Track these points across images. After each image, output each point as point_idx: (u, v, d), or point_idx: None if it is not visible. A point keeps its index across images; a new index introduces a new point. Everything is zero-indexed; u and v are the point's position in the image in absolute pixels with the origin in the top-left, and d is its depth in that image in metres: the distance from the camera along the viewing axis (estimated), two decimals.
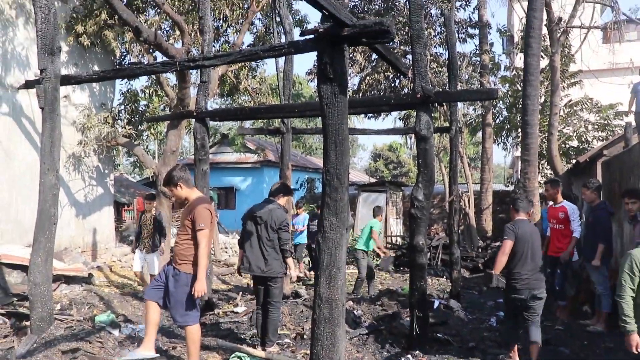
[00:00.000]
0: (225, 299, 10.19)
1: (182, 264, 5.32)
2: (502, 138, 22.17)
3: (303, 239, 13.66)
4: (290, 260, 6.67)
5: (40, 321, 6.20)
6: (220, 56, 5.45)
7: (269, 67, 75.52)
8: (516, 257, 5.78)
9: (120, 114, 14.48)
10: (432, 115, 6.93)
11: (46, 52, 6.46)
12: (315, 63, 18.74)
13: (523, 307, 5.85)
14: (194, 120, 8.86)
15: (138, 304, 9.90)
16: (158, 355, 5.51)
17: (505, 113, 21.43)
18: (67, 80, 6.72)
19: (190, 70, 11.72)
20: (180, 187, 5.40)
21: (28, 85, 6.97)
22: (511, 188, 22.95)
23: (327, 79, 4.15)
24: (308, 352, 6.14)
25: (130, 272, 12.93)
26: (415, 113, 6.84)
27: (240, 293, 10.45)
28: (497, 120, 21.77)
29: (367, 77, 18.33)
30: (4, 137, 11.63)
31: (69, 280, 10.47)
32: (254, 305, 8.88)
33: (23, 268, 9.93)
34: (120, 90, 15.51)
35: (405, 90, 17.31)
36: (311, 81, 18.99)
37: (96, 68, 13.61)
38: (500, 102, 20.70)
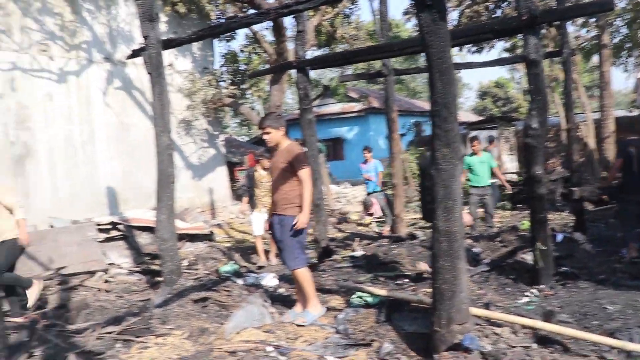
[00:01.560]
0: (342, 246, 10.33)
1: (286, 207, 5.43)
2: (622, 59, 20.46)
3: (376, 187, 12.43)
4: None
5: (171, 274, 6.58)
6: None
7: (364, 13, 74.18)
8: None
9: (223, 76, 14.83)
10: (541, 41, 6.50)
11: (147, 20, 6.66)
12: (412, 2, 18.15)
13: None
14: (295, 72, 8.85)
15: (256, 257, 10.28)
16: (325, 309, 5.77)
17: (624, 30, 19.67)
18: (168, 43, 6.92)
19: (286, 24, 11.73)
20: (280, 131, 5.49)
21: (134, 54, 7.25)
22: (636, 113, 21.25)
23: (425, 6, 3.97)
24: (428, 290, 6.14)
25: (249, 227, 13.43)
26: (521, 42, 6.45)
27: (357, 239, 10.54)
28: (615, 40, 20.07)
29: (466, 10, 17.51)
30: (119, 110, 12.31)
31: (192, 238, 11.02)
32: (372, 249, 9.02)
33: (150, 229, 10.57)
34: (220, 52, 15.89)
35: None
36: (408, 21, 18.40)
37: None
38: (618, 19, 19.03)
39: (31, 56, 10.79)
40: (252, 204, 9.41)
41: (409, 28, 32.12)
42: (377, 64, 17.77)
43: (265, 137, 5.54)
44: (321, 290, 6.97)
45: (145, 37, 6.61)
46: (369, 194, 12.37)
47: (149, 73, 6.65)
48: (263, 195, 9.10)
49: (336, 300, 6.38)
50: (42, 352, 5.04)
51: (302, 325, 5.41)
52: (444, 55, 4.01)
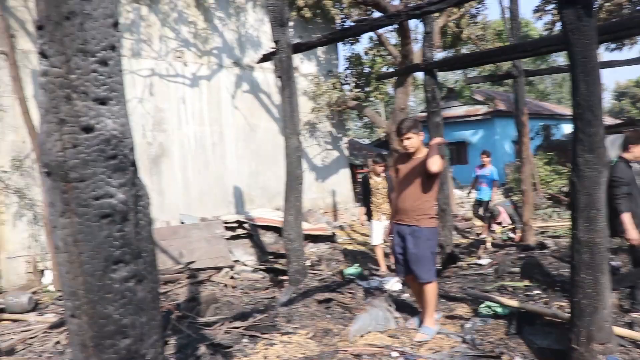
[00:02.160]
0: (467, 253, 10.03)
1: (420, 218, 5.23)
2: None
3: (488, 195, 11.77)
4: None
5: (296, 273, 6.67)
6: None
7: (491, 13, 71.81)
8: None
9: (347, 79, 14.92)
10: None
11: (277, 24, 6.81)
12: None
13: None
14: (422, 74, 8.70)
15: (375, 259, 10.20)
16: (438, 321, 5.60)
17: None
18: (298, 47, 7.02)
19: (412, 26, 11.58)
20: (420, 135, 5.33)
21: (265, 58, 7.44)
22: None
23: (570, 1, 3.71)
24: (561, 303, 5.77)
25: (369, 230, 13.40)
26: None
27: (482, 246, 10.19)
28: None
29: (606, 3, 16.43)
30: (247, 113, 12.75)
31: (315, 239, 11.16)
32: (498, 257, 8.67)
33: (274, 229, 10.85)
34: (344, 55, 16.00)
35: None
36: (539, 19, 17.57)
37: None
38: None
39: (167, 63, 11.43)
40: (369, 212, 8.92)
41: (538, 27, 30.79)
42: (504, 65, 17.23)
43: (406, 142, 5.31)
44: (446, 297, 6.81)
45: (276, 42, 6.75)
46: (477, 201, 11.89)
47: (278, 77, 6.78)
48: (380, 203, 8.73)
49: (462, 309, 6.20)
50: (176, 342, 5.27)
51: (426, 341, 5.23)
52: (589, 54, 3.73)
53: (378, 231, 8.70)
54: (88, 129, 1.63)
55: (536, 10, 18.07)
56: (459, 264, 8.74)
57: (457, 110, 25.18)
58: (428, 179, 5.17)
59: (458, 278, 7.93)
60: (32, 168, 9.40)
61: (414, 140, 5.30)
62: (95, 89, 1.64)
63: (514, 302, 5.50)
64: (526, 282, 7.06)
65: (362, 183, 9.17)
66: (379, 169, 8.67)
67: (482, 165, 11.84)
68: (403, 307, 6.35)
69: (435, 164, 5.01)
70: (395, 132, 5.55)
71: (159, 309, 1.85)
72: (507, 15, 10.16)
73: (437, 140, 5.19)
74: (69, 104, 1.61)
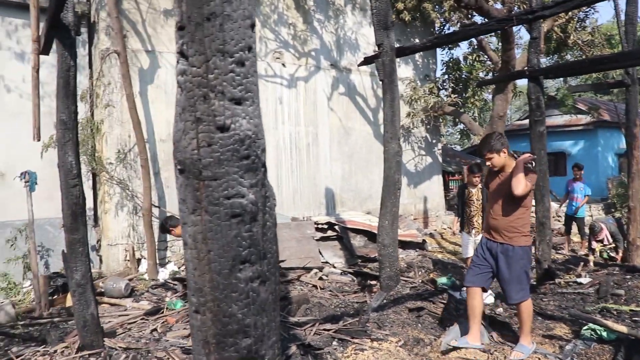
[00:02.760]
0: (564, 270, 9.59)
1: (513, 237, 5.01)
2: None
3: (582, 211, 11.36)
4: None
5: (389, 280, 6.59)
6: (563, 2, 4.96)
7: (602, 16, 68.37)
8: None
9: (444, 84, 14.68)
10: None
11: (381, 28, 6.75)
12: None
13: None
14: (525, 81, 8.37)
15: (465, 270, 9.95)
16: (484, 345, 5.21)
17: None
18: (402, 51, 6.94)
19: (515, 30, 11.22)
20: (504, 153, 5.06)
21: (366, 61, 7.40)
22: None
23: None
24: None
25: (460, 238, 13.10)
26: None
27: (582, 264, 9.71)
28: None
29: None
30: (342, 115, 12.79)
31: (404, 245, 11.02)
32: (600, 277, 8.21)
33: (364, 233, 10.82)
34: (442, 60, 15.74)
35: None
36: None
37: (417, 41, 13.95)
38: None
39: (267, 63, 11.65)
40: (462, 224, 8.43)
41: None
42: (611, 72, 16.35)
43: (488, 163, 5.18)
44: (543, 315, 6.53)
45: (379, 45, 6.71)
46: (568, 216, 11.35)
47: (381, 80, 6.74)
48: (473, 215, 8.11)
49: (562, 329, 5.93)
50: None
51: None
52: None
53: (468, 245, 8.21)
54: (223, 129, 1.65)
55: None
56: (557, 280, 8.36)
57: (557, 119, 24.14)
58: (520, 196, 4.94)
59: (555, 296, 7.59)
60: (135, 161, 9.82)
61: (495, 160, 5.09)
62: (232, 89, 1.65)
63: (622, 328, 5.17)
64: (633, 307, 6.64)
65: (458, 192, 8.73)
66: (475, 179, 8.09)
67: (575, 179, 11.40)
68: (497, 322, 6.15)
69: (518, 186, 4.83)
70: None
71: (278, 311, 1.85)
72: (622, 18, 9.60)
73: (525, 157, 4.95)
74: (206, 103, 1.64)
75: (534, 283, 8.55)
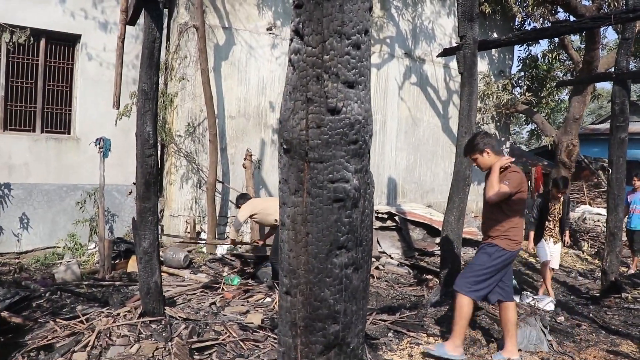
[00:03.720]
0: (631, 284, 9.24)
1: (495, 238, 4.76)
2: None
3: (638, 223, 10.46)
4: None
5: (449, 276, 6.49)
6: None
7: None
8: None
9: (519, 81, 14.28)
10: None
11: (466, 19, 6.59)
12: None
13: None
14: (604, 84, 8.04)
15: (531, 274, 9.72)
16: (465, 357, 4.84)
17: None
18: (485, 44, 6.76)
19: (601, 29, 10.78)
20: (487, 153, 4.78)
21: (446, 52, 7.25)
22: None
23: None
24: None
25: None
26: None
27: None
28: None
29: None
30: (412, 105, 12.62)
31: (463, 242, 10.82)
32: None
33: (424, 226, 10.69)
34: (519, 56, 15.30)
35: None
36: None
37: (495, 35, 13.60)
38: None
39: None
40: (539, 236, 8.06)
41: None
42: None
43: (473, 164, 5.02)
44: (607, 329, 6.30)
45: (462, 37, 6.55)
46: (629, 230, 10.55)
47: (460, 73, 6.57)
48: (552, 228, 7.91)
49: (629, 346, 5.71)
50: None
51: (430, 354, 4.75)
52: None
53: (545, 248, 7.96)
54: (334, 111, 1.62)
55: None
56: (623, 295, 8.06)
57: (637, 126, 23.13)
58: (491, 201, 4.71)
59: (621, 310, 7.32)
60: (203, 135, 9.97)
61: (480, 161, 4.87)
62: (346, 72, 1.62)
63: None
64: None
65: (540, 205, 8.13)
66: (560, 195, 7.79)
67: (634, 190, 10.60)
68: (557, 330, 5.98)
69: (489, 190, 4.68)
70: None
71: (367, 299, 1.83)
72: None
73: (503, 161, 4.76)
74: (319, 84, 1.61)
75: (597, 295, 8.29)
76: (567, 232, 8.11)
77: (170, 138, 9.76)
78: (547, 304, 7.09)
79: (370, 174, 1.78)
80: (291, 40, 1.68)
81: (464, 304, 4.76)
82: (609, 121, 8.23)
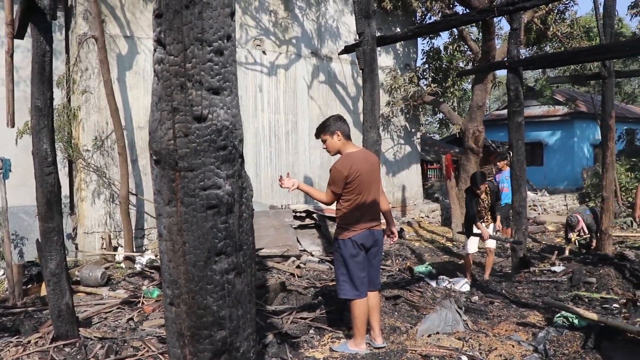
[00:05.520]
0: (539, 258, 9.73)
1: (337, 229, 4.84)
2: None
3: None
4: None
5: None
6: None
7: (582, 8, 68.71)
8: None
9: (424, 73, 14.70)
10: None
11: (363, 16, 6.71)
12: None
13: None
14: (505, 72, 8.43)
15: (448, 258, 10.04)
16: (369, 351, 4.83)
17: None
18: (383, 40, 6.91)
19: (495, 20, 11.26)
20: (338, 136, 4.79)
21: (347, 50, 7.36)
22: None
23: None
24: None
25: (437, 227, 13.24)
26: None
27: (556, 252, 9.86)
28: None
29: None
30: (322, 103, 12.76)
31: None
32: (573, 266, 8.33)
33: None
34: (423, 49, 15.74)
35: None
36: (635, 16, 16.67)
37: (398, 30, 13.93)
38: None
39: (247, 50, 11.54)
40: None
41: (631, 25, 29.28)
42: (589, 65, 16.48)
43: (329, 143, 4.89)
44: (517, 303, 6.62)
45: (360, 34, 6.67)
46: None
47: (361, 69, 6.70)
48: (484, 214, 8.39)
49: (535, 317, 6.03)
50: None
51: (334, 350, 4.85)
52: None
53: (473, 241, 8.40)
54: (200, 119, 1.62)
55: (632, 6, 17.04)
56: (532, 269, 8.48)
57: (535, 110, 24.39)
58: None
59: (530, 284, 7.70)
60: (112, 148, 9.70)
61: (329, 143, 4.88)
62: (209, 79, 1.62)
63: (593, 315, 5.25)
64: (603, 294, 6.77)
65: (467, 202, 8.36)
66: (477, 191, 8.14)
67: (500, 170, 11.03)
68: (473, 310, 6.23)
69: (320, 198, 4.86)
70: None
71: (254, 302, 1.84)
72: (600, 11, 9.66)
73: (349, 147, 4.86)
74: (183, 93, 1.61)
75: (509, 272, 8.70)
76: (498, 218, 8.51)
77: (78, 153, 9.43)
78: (463, 285, 7.36)
79: (246, 178, 1.79)
80: (154, 50, 1.67)
81: (352, 306, 4.79)
82: None
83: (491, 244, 8.43)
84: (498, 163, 11.02)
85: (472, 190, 8.24)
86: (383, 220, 5.03)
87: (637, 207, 7.09)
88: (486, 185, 8.22)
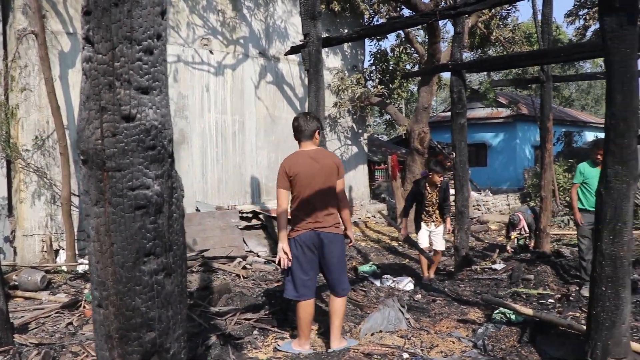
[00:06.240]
0: (481, 256, 9.96)
1: (339, 225, 4.75)
2: None
3: None
4: None
5: None
6: (482, 0, 5.12)
7: (523, 14, 70.76)
8: None
9: (372, 75, 14.85)
10: None
11: (308, 17, 6.74)
12: (576, 3, 17.08)
13: None
14: (449, 74, 8.61)
15: (394, 258, 10.16)
16: (312, 351, 4.84)
17: None
18: (328, 41, 6.95)
19: (440, 24, 11.48)
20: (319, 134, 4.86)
21: (293, 50, 7.38)
22: None
23: (612, 8, 3.62)
24: (576, 314, 5.70)
25: (384, 227, 13.38)
26: None
27: (497, 250, 10.12)
28: None
29: None
30: (269, 104, 12.73)
31: None
32: (513, 263, 8.58)
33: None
34: (370, 51, 15.91)
35: None
36: (570, 24, 17.29)
37: (346, 32, 14.02)
38: None
39: (194, 50, 11.41)
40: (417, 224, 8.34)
41: (568, 32, 30.37)
42: (530, 69, 17.05)
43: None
44: (459, 300, 6.78)
45: (306, 35, 6.70)
46: None
47: (306, 70, 6.73)
48: (432, 213, 8.15)
49: (475, 313, 6.18)
50: (187, 331, 5.23)
51: (279, 349, 4.89)
52: (628, 64, 3.65)
53: (425, 237, 8.25)
54: (129, 118, 1.61)
55: (568, 15, 17.73)
56: (473, 267, 8.69)
57: (479, 112, 25.00)
58: None
59: (471, 282, 7.90)
60: (54, 148, 9.43)
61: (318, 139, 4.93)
62: (138, 78, 1.61)
63: (528, 310, 5.42)
64: (540, 290, 7.00)
65: (415, 193, 8.18)
66: (440, 177, 7.89)
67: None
68: (415, 308, 6.33)
69: None
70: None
71: (185, 303, 1.83)
72: (539, 18, 9.99)
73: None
74: (111, 92, 1.59)
75: (452, 270, 8.88)
76: (448, 219, 8.23)
77: (17, 153, 9.11)
78: (407, 284, 7.46)
79: (177, 178, 1.78)
80: (83, 48, 1.64)
81: (299, 309, 4.79)
82: None
83: (440, 246, 8.28)
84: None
85: (427, 181, 7.98)
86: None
87: (575, 210, 7.25)
88: (441, 180, 7.95)
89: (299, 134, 4.81)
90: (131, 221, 1.64)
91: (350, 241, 5.13)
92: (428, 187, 7.98)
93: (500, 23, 15.25)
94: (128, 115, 1.61)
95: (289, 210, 4.78)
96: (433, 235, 8.19)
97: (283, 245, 4.64)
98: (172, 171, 1.74)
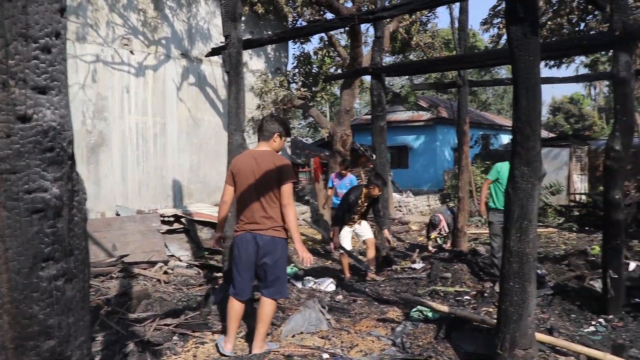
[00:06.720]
0: (402, 256, 10.18)
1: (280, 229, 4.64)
2: None
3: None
4: None
5: (229, 271, 6.57)
6: (400, 5, 5.25)
7: (441, 21, 73.03)
8: None
9: (295, 78, 14.90)
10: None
11: (229, 19, 6.69)
12: (491, 12, 17.80)
13: None
14: (369, 78, 8.76)
15: (317, 259, 10.22)
16: (233, 353, 4.85)
17: None
18: (249, 43, 6.93)
19: (362, 29, 11.68)
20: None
21: (214, 52, 7.31)
22: None
23: (517, 19, 3.81)
24: (489, 309, 5.93)
25: (307, 229, 13.43)
26: (609, 57, 6.09)
27: (417, 250, 10.38)
28: None
29: (549, 22, 16.96)
30: (191, 105, 12.55)
31: None
32: (432, 262, 8.82)
33: (212, 225, 10.68)
34: (294, 54, 16.03)
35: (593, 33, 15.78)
36: (486, 32, 18.04)
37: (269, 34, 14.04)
38: None
39: (113, 50, 11.09)
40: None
41: (484, 39, 31.58)
42: (449, 74, 17.64)
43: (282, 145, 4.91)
44: (379, 300, 6.90)
45: (227, 37, 6.65)
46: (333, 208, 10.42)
47: (227, 72, 6.67)
48: (356, 220, 8.17)
49: (394, 312, 6.32)
50: (103, 338, 5.11)
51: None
52: (532, 71, 3.84)
53: (347, 239, 8.24)
54: (24, 119, 1.54)
55: (483, 23, 18.48)
56: (394, 267, 8.88)
57: (401, 115, 25.60)
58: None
59: (392, 281, 8.05)
60: None
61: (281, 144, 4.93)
62: (35, 77, 1.55)
63: (444, 308, 5.61)
64: (457, 288, 7.24)
65: (353, 202, 8.03)
66: (380, 192, 7.82)
67: (341, 175, 10.56)
68: (336, 309, 6.39)
69: None
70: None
71: (88, 309, 1.77)
72: (456, 25, 10.36)
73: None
74: (5, 91, 1.52)
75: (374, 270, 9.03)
76: (386, 231, 8.24)
77: None
78: (328, 285, 7.53)
79: (78, 181, 1.73)
80: None
81: (228, 306, 4.89)
82: None
83: (370, 234, 8.25)
84: (343, 171, 10.61)
85: (367, 193, 7.87)
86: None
87: (481, 202, 7.79)
88: (381, 193, 7.91)
89: (259, 133, 4.85)
90: (28, 225, 1.57)
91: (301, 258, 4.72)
92: (363, 198, 7.93)
93: (421, 29, 15.68)
94: (24, 116, 1.55)
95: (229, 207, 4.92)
96: (359, 231, 8.21)
97: (218, 232, 5.07)
98: (72, 174, 1.68)
